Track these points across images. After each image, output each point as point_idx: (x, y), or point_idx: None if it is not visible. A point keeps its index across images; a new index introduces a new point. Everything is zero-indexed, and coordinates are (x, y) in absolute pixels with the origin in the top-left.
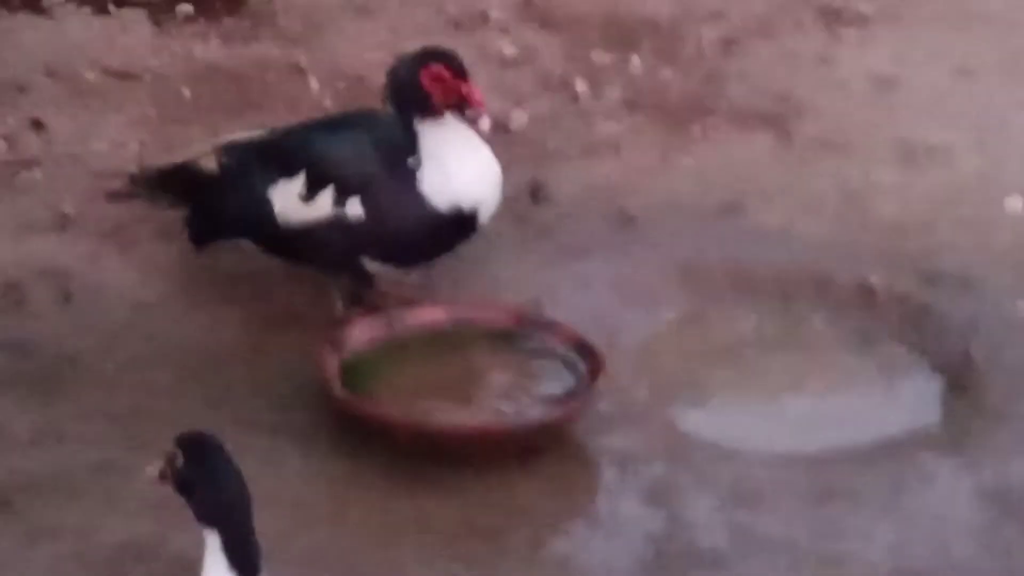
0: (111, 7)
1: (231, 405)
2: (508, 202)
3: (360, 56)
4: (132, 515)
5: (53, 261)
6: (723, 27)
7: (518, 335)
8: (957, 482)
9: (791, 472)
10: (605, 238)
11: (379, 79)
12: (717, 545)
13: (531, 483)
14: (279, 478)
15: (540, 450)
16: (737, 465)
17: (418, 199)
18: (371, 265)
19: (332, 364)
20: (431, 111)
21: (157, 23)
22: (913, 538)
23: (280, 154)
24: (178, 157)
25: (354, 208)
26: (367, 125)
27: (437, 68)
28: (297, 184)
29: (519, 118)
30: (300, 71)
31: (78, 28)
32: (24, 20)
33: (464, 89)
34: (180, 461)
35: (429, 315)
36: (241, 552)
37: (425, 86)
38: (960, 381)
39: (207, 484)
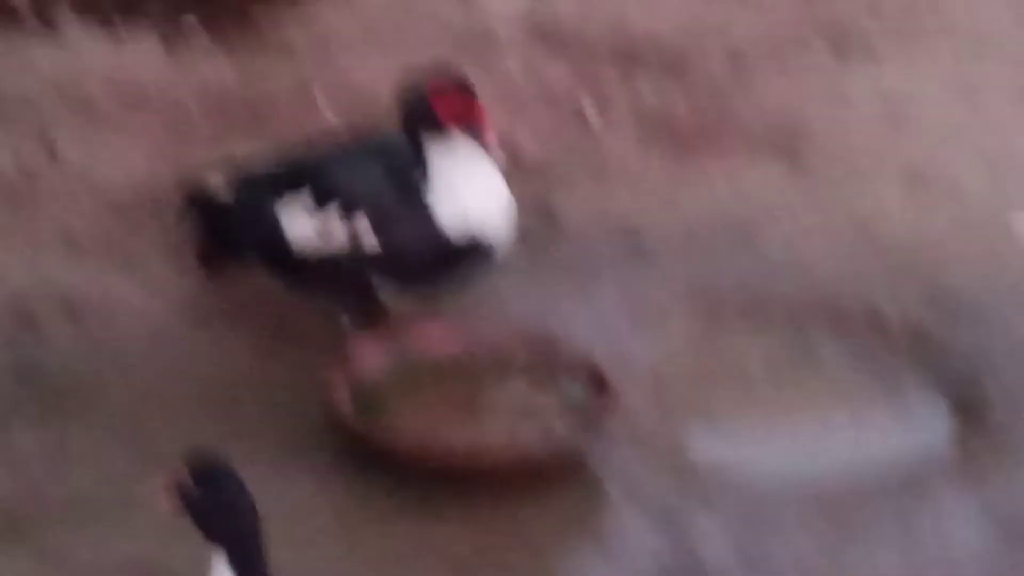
0: (122, 29)
1: (241, 428)
2: (518, 227)
3: (372, 79)
4: (141, 536)
5: (64, 284)
6: (734, 53)
7: (528, 361)
8: (967, 508)
9: (800, 498)
10: (615, 264)
11: (389, 100)
12: (726, 570)
13: (540, 507)
14: (288, 502)
15: (550, 476)
16: (746, 491)
17: (429, 223)
18: (382, 290)
19: (342, 389)
20: (442, 135)
21: (168, 45)
22: (922, 565)
23: (293, 178)
24: (192, 182)
25: (365, 232)
26: (380, 148)
27: (447, 89)
28: (310, 207)
29: (529, 143)
30: (310, 92)
31: (89, 50)
32: (36, 42)
33: (475, 113)
34: (189, 481)
35: (440, 340)
36: (250, 572)
37: (436, 110)
38: (971, 407)
39: (216, 504)
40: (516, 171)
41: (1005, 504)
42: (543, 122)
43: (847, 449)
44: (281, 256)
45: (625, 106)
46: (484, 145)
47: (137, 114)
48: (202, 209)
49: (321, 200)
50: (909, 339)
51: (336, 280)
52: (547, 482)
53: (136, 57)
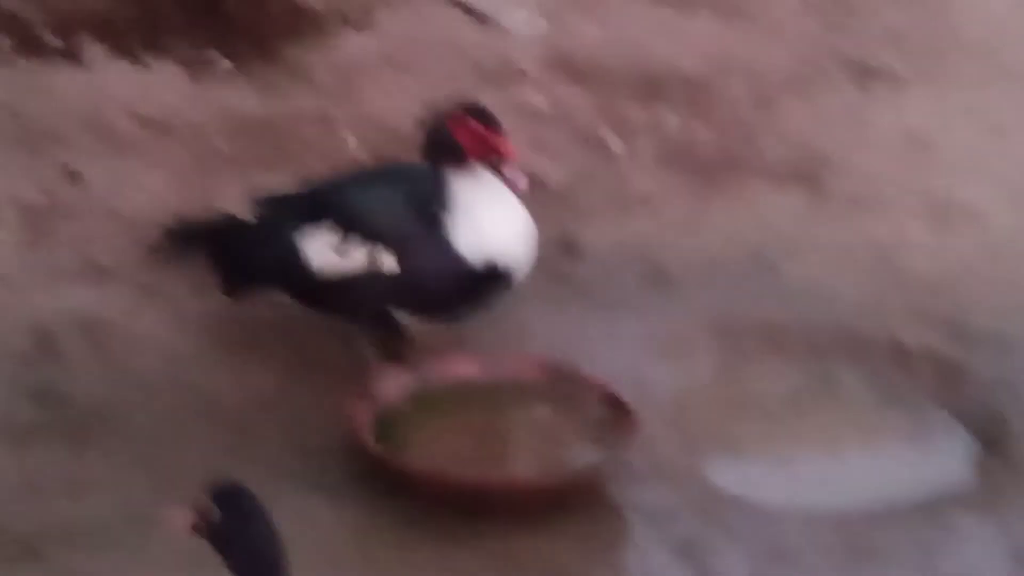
0: (148, 59)
1: (262, 456)
2: (540, 257)
3: (393, 108)
4: (162, 565)
5: (86, 311)
6: (756, 83)
7: (549, 389)
8: (989, 541)
9: (822, 529)
10: (637, 293)
11: (412, 131)
12: None
13: (561, 538)
14: (308, 529)
15: (570, 504)
16: (768, 522)
17: (450, 252)
18: (402, 317)
19: (363, 416)
20: (464, 164)
21: (193, 75)
22: None
23: (315, 205)
24: (213, 211)
25: (386, 260)
26: (401, 177)
27: (470, 121)
28: (331, 235)
29: (551, 172)
30: (334, 123)
31: (115, 80)
32: (61, 72)
33: (496, 142)
34: (214, 511)
35: (460, 368)
36: None
37: (458, 139)
38: (992, 439)
39: (241, 535)
40: (538, 201)
41: None
42: (565, 152)
43: (868, 480)
44: (302, 280)
45: (647, 136)
46: (506, 175)
47: (161, 143)
48: (225, 234)
49: (343, 229)
50: (931, 370)
51: (356, 305)
52: (567, 511)
53: (160, 86)
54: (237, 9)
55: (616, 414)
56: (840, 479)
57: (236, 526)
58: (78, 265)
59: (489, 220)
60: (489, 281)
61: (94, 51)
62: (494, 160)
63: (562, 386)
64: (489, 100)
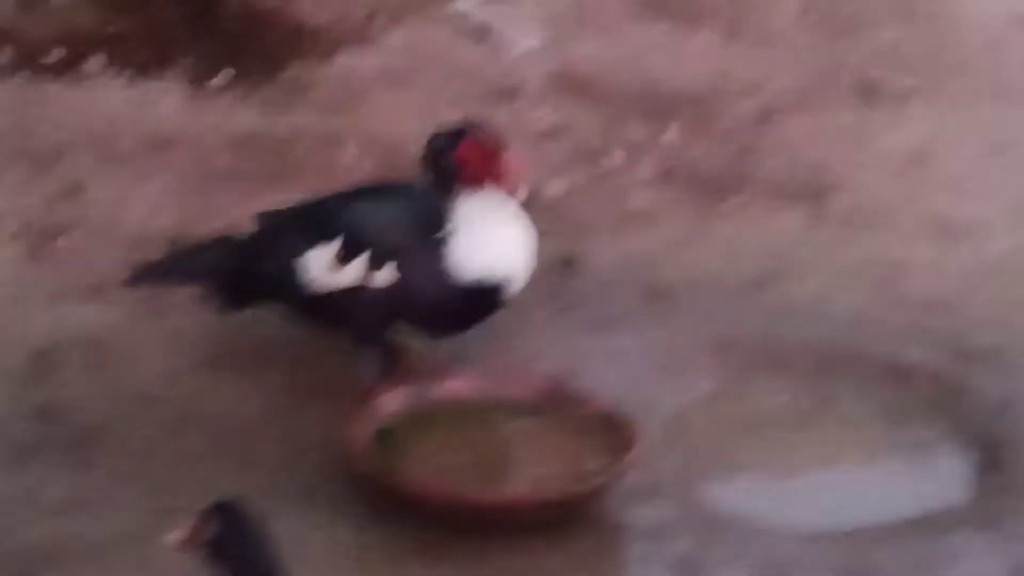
0: (150, 75)
1: (261, 474)
2: (540, 273)
3: (396, 126)
4: None
5: (86, 328)
6: (758, 100)
7: (549, 407)
8: (990, 560)
9: (822, 548)
10: (637, 310)
11: (415, 149)
12: None
13: (560, 556)
14: (308, 547)
15: (570, 523)
16: (768, 540)
17: (449, 270)
18: (401, 334)
19: (361, 434)
20: (466, 183)
21: (195, 91)
22: None
23: (314, 221)
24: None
25: (385, 277)
26: (402, 194)
27: (473, 140)
28: (330, 250)
29: (553, 189)
30: (337, 140)
31: (115, 96)
32: (62, 88)
33: (500, 161)
34: (213, 529)
35: (459, 386)
36: None
37: (461, 158)
38: (993, 459)
39: (240, 551)
40: (538, 217)
41: None
42: (566, 168)
43: (869, 497)
44: (300, 295)
45: (648, 152)
46: (508, 195)
47: (162, 159)
48: (224, 250)
49: (342, 240)
50: (932, 389)
51: (355, 322)
52: (566, 529)
53: (162, 103)
54: (239, 26)
55: (615, 431)
56: (840, 497)
57: (235, 543)
58: (78, 282)
59: (489, 239)
60: (484, 299)
61: (95, 67)
62: (497, 179)
63: (561, 403)
64: (490, 116)
